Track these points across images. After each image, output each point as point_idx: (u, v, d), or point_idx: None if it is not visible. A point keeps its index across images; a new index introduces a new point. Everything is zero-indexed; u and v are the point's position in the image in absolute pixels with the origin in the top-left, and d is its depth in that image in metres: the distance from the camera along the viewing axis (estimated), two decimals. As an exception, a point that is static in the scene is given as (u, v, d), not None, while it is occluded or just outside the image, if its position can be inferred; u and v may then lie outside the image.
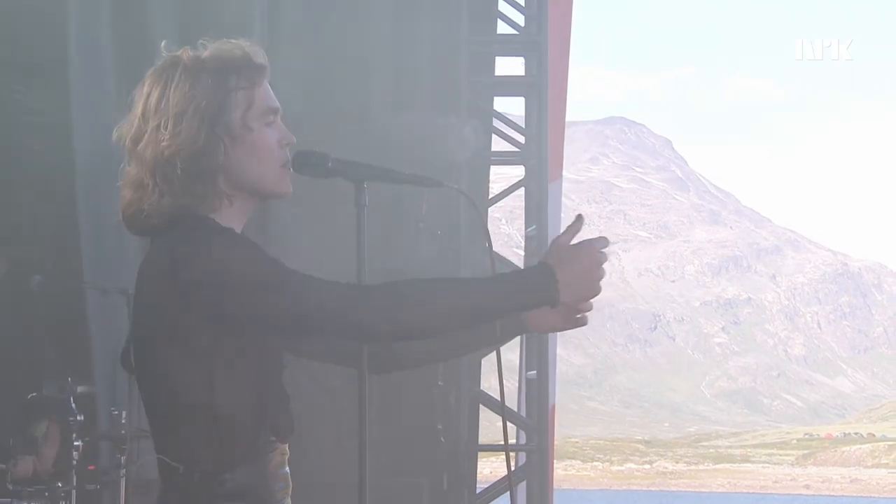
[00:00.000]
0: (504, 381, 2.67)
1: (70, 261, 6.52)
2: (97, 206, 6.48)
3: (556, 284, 2.46)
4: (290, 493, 2.56)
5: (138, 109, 2.56)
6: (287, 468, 2.56)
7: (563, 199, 8.56)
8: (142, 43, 6.54)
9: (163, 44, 2.62)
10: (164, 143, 2.50)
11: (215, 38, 2.62)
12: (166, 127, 2.51)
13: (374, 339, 2.48)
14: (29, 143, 6.89)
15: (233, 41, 2.61)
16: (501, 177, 9.61)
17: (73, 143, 6.54)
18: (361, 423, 2.58)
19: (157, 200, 2.52)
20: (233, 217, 2.58)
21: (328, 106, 7.16)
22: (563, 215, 8.34)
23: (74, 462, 5.49)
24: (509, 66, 8.52)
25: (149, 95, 2.56)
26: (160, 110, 2.53)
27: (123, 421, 5.74)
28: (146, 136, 2.53)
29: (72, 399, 5.53)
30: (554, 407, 7.85)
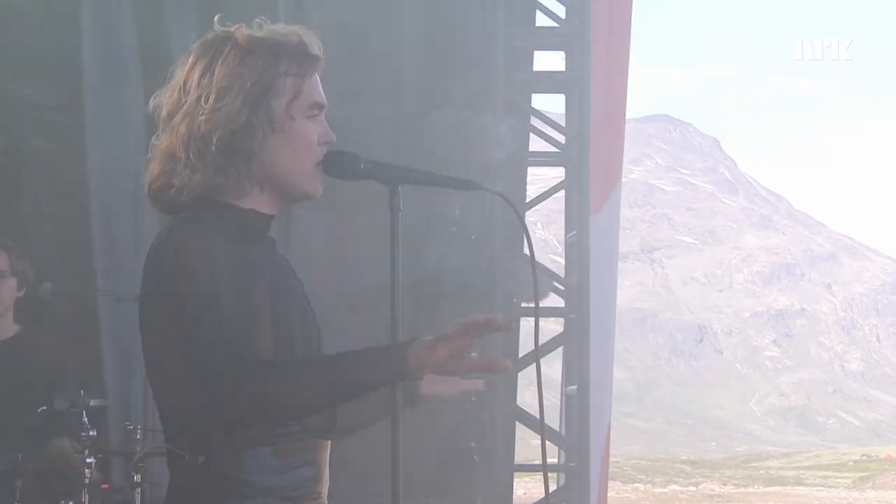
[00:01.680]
0: (543, 397, 2.67)
1: (82, 266, 6.55)
2: (111, 208, 6.50)
3: (405, 363, 2.43)
4: (322, 491, 2.57)
5: (180, 80, 2.58)
6: (317, 467, 2.56)
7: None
8: (158, 39, 6.56)
9: (217, 17, 2.63)
10: (202, 118, 2.52)
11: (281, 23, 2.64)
12: (207, 101, 2.53)
13: (230, 421, 2.44)
14: (39, 142, 6.93)
15: (290, 27, 2.64)
16: (537, 178, 9.60)
17: (86, 141, 6.57)
18: (394, 443, 2.58)
19: (188, 176, 2.53)
20: (264, 202, 2.61)
21: (357, 105, 7.17)
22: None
23: (87, 480, 5.51)
24: (549, 61, 8.52)
25: (193, 67, 2.57)
26: (203, 84, 2.54)
27: (138, 437, 5.76)
28: (184, 107, 2.55)
29: (84, 413, 5.55)
30: (609, 425, 7.84)
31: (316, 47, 2.63)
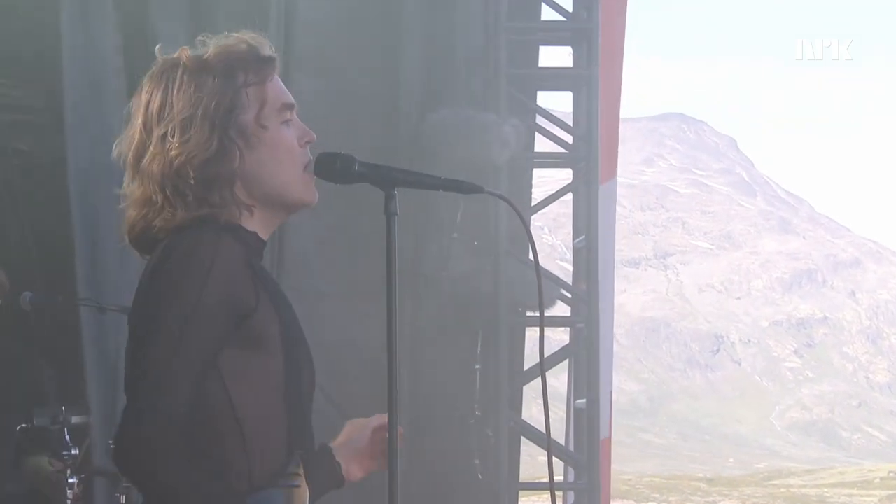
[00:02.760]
0: (549, 411, 2.67)
1: (63, 275, 6.55)
2: (93, 214, 6.50)
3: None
4: None
5: (138, 120, 2.58)
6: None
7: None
8: (144, 37, 6.56)
9: (157, 48, 2.64)
10: (172, 153, 2.52)
11: (224, 32, 2.64)
12: (173, 135, 2.53)
13: (119, 468, 2.47)
14: (16, 144, 6.93)
15: (235, 35, 2.63)
16: (544, 181, 9.60)
17: (66, 143, 6.57)
18: (391, 459, 2.59)
19: (170, 215, 2.53)
20: (258, 227, 2.61)
21: (352, 103, 7.17)
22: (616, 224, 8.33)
23: (69, 501, 5.51)
24: (555, 56, 8.53)
25: (149, 103, 2.58)
26: (164, 118, 2.55)
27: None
28: (151, 147, 2.55)
29: (66, 431, 5.55)
30: (608, 440, 7.84)
31: (267, 48, 2.64)
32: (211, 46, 2.60)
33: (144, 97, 2.59)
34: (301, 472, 2.53)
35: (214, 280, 2.44)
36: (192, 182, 2.52)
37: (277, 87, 2.63)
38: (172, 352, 2.41)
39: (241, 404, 2.48)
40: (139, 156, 2.57)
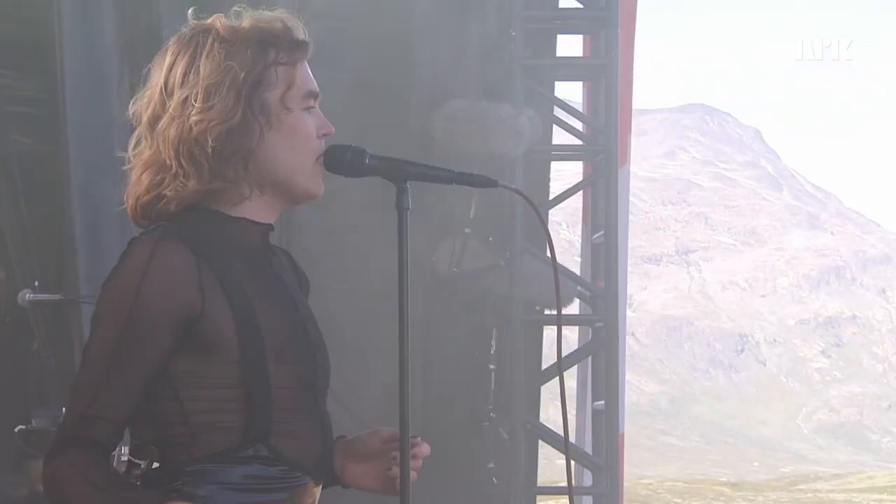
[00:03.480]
0: (568, 413, 2.68)
1: (64, 271, 6.56)
2: (95, 209, 6.51)
3: None
4: None
5: (159, 81, 2.55)
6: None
7: (634, 199, 8.59)
8: (146, 25, 6.57)
9: (190, 10, 2.62)
10: (193, 119, 2.50)
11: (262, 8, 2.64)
12: (196, 100, 2.50)
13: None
14: (17, 137, 6.95)
15: (270, 12, 2.62)
16: (562, 174, 9.61)
17: (68, 136, 6.58)
18: (403, 464, 2.59)
19: (181, 185, 2.51)
20: (261, 210, 2.59)
21: (363, 94, 7.17)
22: (631, 217, 8.33)
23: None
24: (572, 45, 8.52)
25: (173, 66, 2.55)
26: (188, 82, 2.52)
27: (124, 458, 5.77)
28: (170, 110, 2.52)
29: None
30: (623, 437, 7.85)
31: (302, 32, 2.62)
32: (246, 19, 2.59)
33: (169, 58, 2.56)
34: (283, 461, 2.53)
35: (146, 291, 2.44)
36: (210, 151, 2.50)
37: (305, 72, 2.62)
38: (102, 373, 2.45)
39: (193, 410, 2.48)
40: (155, 117, 2.54)
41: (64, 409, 2.54)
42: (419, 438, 2.63)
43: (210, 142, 2.50)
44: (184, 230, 2.50)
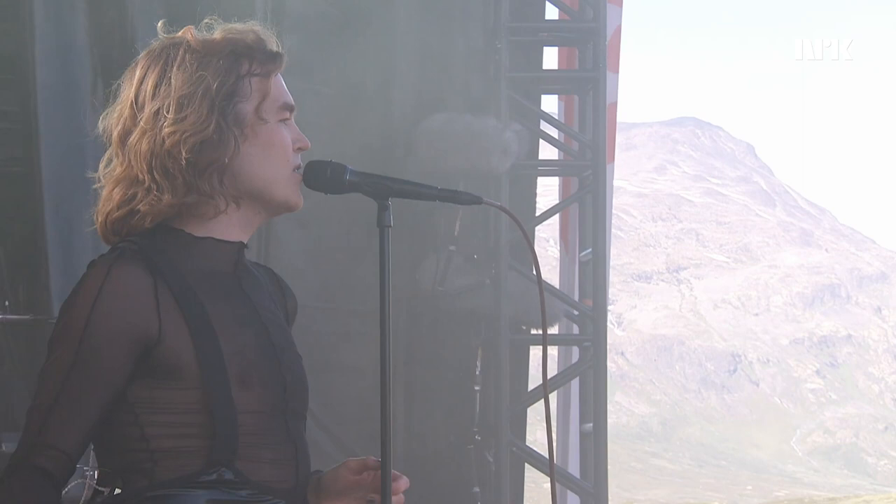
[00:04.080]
0: (554, 435, 2.69)
1: (36, 291, 6.55)
2: (68, 225, 6.51)
3: None
4: None
5: (129, 95, 2.56)
6: None
7: (624, 215, 8.59)
8: (120, 38, 6.57)
9: (160, 24, 2.63)
10: (165, 131, 2.50)
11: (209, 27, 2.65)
12: (168, 111, 2.51)
13: None
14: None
15: (242, 24, 2.64)
16: (549, 189, 9.62)
17: (40, 151, 6.57)
18: (384, 488, 2.59)
19: (156, 199, 2.51)
20: (235, 225, 2.60)
21: (343, 108, 7.18)
22: (620, 234, 8.33)
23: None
24: (549, 58, 8.53)
25: (143, 79, 2.56)
26: (159, 94, 2.53)
27: (93, 482, 5.75)
28: (141, 123, 2.53)
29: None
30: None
31: (275, 43, 2.64)
32: (218, 31, 2.61)
33: (139, 72, 2.57)
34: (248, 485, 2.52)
35: (98, 315, 2.44)
36: (184, 164, 2.50)
37: (280, 84, 2.64)
38: (54, 400, 2.46)
39: (153, 435, 2.48)
40: (126, 132, 2.55)
41: None
42: (397, 472, 2.60)
43: (184, 154, 2.50)
44: (144, 251, 2.50)
